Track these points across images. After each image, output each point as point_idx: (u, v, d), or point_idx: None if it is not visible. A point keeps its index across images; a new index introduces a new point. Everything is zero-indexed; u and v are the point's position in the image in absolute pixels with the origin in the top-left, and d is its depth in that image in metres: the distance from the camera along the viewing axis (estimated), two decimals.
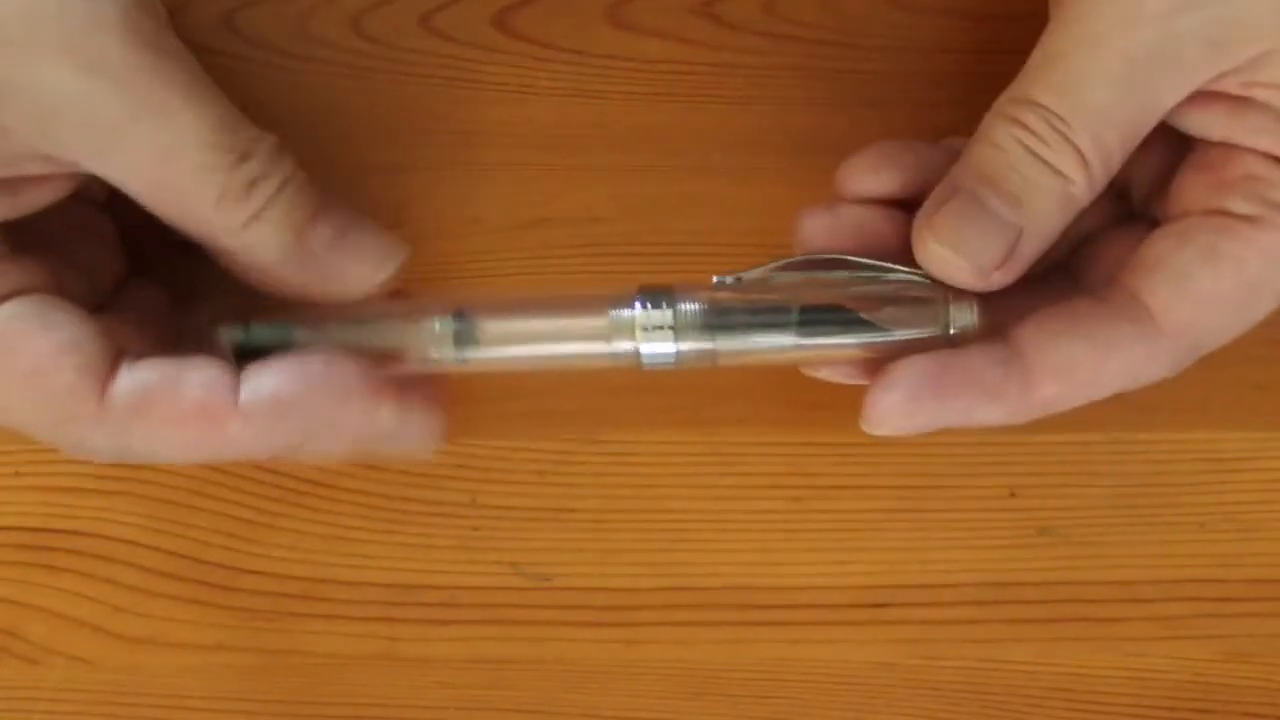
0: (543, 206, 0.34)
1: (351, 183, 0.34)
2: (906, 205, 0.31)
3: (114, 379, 0.28)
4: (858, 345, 0.29)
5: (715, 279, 0.30)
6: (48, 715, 0.33)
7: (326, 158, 0.34)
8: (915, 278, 0.29)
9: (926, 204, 0.29)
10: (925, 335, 0.29)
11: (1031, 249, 0.29)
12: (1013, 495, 0.34)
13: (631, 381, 0.34)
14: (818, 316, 0.29)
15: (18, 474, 0.33)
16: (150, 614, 0.33)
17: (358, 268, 0.29)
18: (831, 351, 0.30)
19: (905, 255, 0.30)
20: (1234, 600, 0.34)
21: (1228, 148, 0.29)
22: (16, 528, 0.33)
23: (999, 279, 0.29)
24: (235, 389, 0.28)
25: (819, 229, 0.31)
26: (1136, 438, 0.34)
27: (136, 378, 0.28)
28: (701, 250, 0.34)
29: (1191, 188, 0.30)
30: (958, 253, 0.28)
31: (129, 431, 0.28)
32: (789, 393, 0.34)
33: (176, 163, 0.28)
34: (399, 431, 0.29)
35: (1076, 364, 0.29)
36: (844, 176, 0.31)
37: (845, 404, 0.34)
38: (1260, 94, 0.28)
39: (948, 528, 0.34)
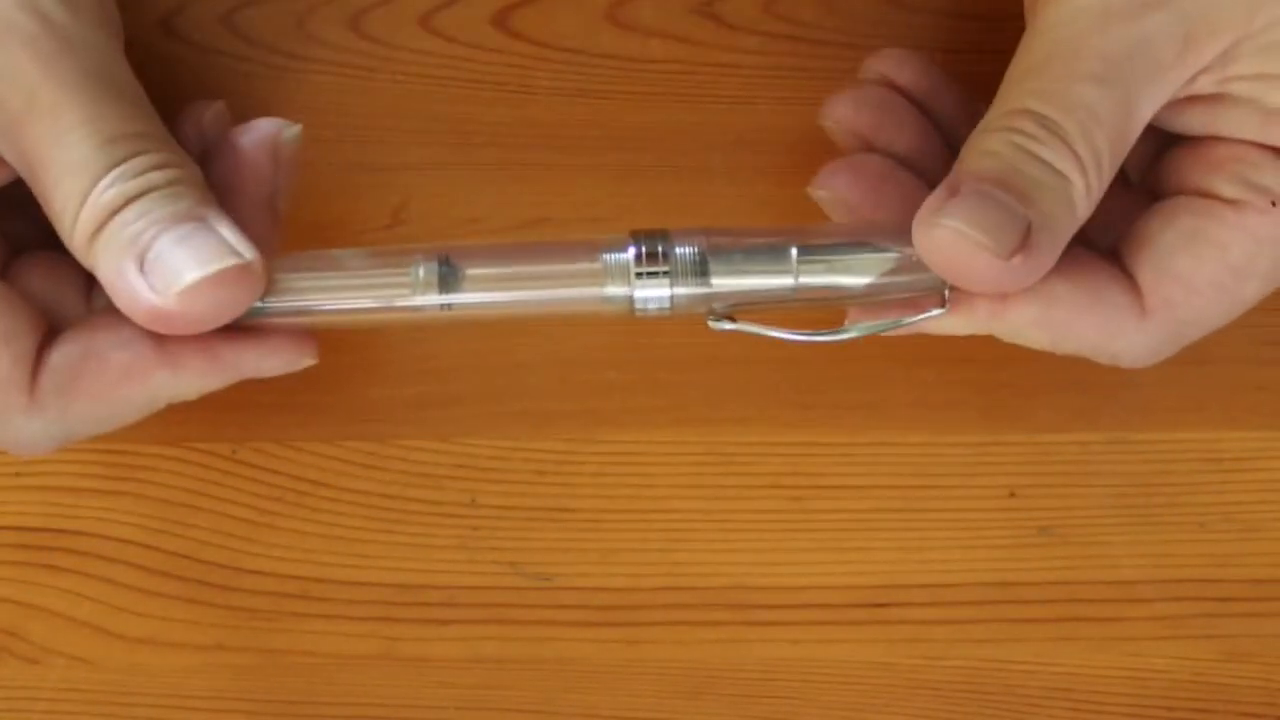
0: (543, 206, 0.34)
1: (351, 182, 0.34)
2: (921, 106, 0.32)
3: (42, 365, 0.28)
4: (855, 288, 0.29)
5: (709, 234, 0.29)
6: (48, 715, 0.33)
7: (326, 158, 0.34)
8: (922, 272, 0.28)
9: (926, 204, 0.28)
10: (923, 279, 0.29)
11: (1045, 246, 0.27)
12: (1013, 495, 0.34)
13: (631, 381, 0.34)
14: (817, 261, 0.28)
15: (18, 474, 0.33)
16: (150, 614, 0.33)
17: (184, 265, 0.26)
18: (829, 295, 0.29)
19: (916, 133, 0.31)
20: (1234, 600, 0.34)
21: (1214, 137, 0.29)
22: (16, 528, 0.33)
23: (1019, 266, 0.27)
24: (151, 339, 0.28)
25: (845, 100, 0.32)
26: (1136, 438, 0.34)
27: (61, 358, 0.28)
28: None
29: (1182, 164, 0.30)
30: (979, 230, 0.27)
31: (64, 414, 0.28)
32: (789, 393, 0.34)
33: (54, 166, 0.27)
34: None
35: (1056, 301, 0.29)
36: (869, 61, 0.32)
37: (845, 404, 0.34)
38: (1235, 88, 0.28)
39: (948, 528, 0.34)
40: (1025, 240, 0.27)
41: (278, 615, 0.33)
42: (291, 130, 0.30)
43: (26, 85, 0.27)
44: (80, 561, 0.33)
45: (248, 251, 0.27)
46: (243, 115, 0.32)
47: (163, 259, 0.26)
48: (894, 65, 0.32)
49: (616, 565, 0.34)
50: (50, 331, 0.28)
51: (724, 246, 0.28)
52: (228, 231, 0.27)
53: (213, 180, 0.29)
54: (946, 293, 0.29)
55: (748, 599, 0.34)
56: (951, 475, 0.34)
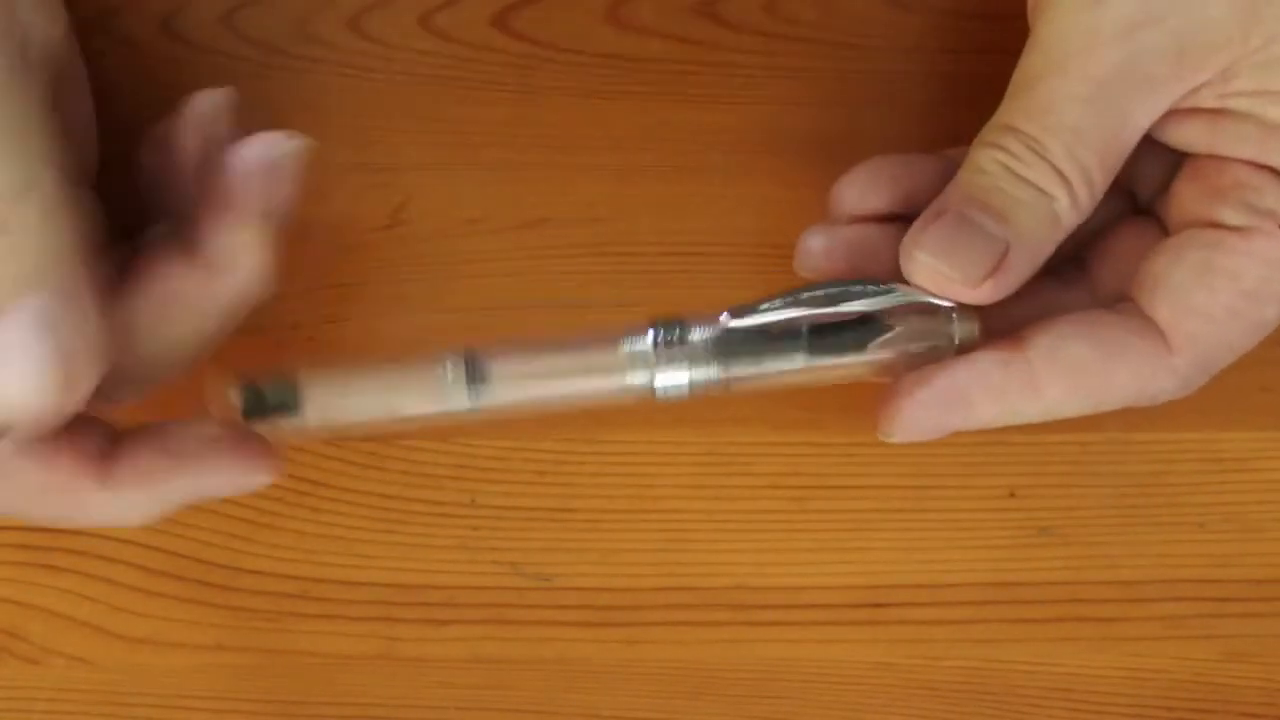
0: (543, 206, 0.34)
1: (351, 182, 0.34)
2: (902, 218, 0.31)
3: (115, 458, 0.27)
4: (869, 364, 0.30)
5: (725, 316, 0.30)
6: (48, 715, 0.33)
7: (325, 158, 0.34)
8: (920, 296, 0.30)
9: (914, 225, 0.29)
10: (931, 347, 0.30)
11: (1022, 262, 0.29)
12: (1013, 495, 0.34)
13: None
14: (827, 338, 0.30)
15: None
16: (150, 614, 0.33)
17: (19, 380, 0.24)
18: (841, 370, 0.30)
19: (900, 271, 0.30)
20: (1234, 600, 0.34)
21: (1216, 157, 0.29)
22: (17, 528, 0.33)
23: (990, 290, 0.29)
24: (104, 463, 0.27)
25: (816, 249, 0.31)
26: (1136, 438, 0.34)
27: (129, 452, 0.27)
28: (701, 250, 0.34)
29: (1186, 195, 0.30)
30: (946, 263, 0.29)
31: (137, 497, 0.28)
32: (789, 393, 0.34)
33: None
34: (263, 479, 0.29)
35: (1083, 368, 0.29)
36: (837, 197, 0.31)
37: (845, 404, 0.34)
38: (1235, 104, 0.28)
39: (948, 528, 0.34)
40: (1000, 262, 0.28)
41: (278, 615, 0.33)
42: (289, 145, 0.28)
43: None
44: (80, 561, 0.33)
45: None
46: (243, 115, 0.32)
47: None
48: (861, 193, 0.31)
49: (616, 565, 0.34)
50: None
51: (739, 331, 0.29)
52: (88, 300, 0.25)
53: (209, 188, 0.28)
54: (957, 341, 0.30)
55: (748, 599, 0.34)
56: (951, 475, 0.34)
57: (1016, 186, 0.29)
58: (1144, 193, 0.32)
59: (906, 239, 0.29)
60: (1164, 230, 0.31)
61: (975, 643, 0.34)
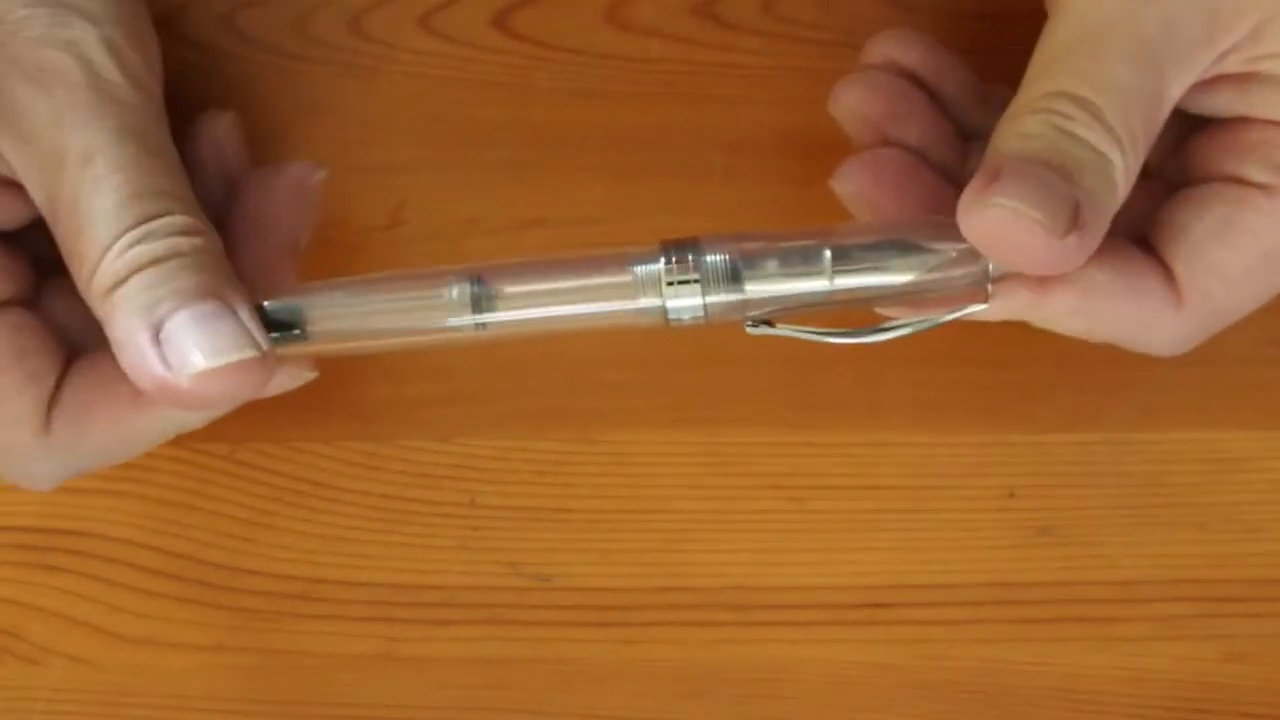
0: (542, 206, 0.34)
1: (350, 182, 0.34)
2: (926, 89, 0.31)
3: (57, 401, 0.28)
4: (890, 288, 0.28)
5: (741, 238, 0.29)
6: (47, 715, 0.33)
7: (325, 157, 0.34)
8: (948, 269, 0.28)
9: (968, 190, 0.27)
10: (961, 275, 0.28)
11: (1095, 222, 0.27)
12: (1012, 495, 0.34)
13: (631, 381, 0.34)
14: (851, 259, 0.28)
15: None
16: (150, 614, 0.33)
17: (199, 350, 0.26)
18: (864, 296, 0.28)
19: (928, 121, 0.30)
20: (1234, 600, 0.34)
21: (1243, 118, 0.29)
22: (16, 528, 0.33)
23: (1074, 245, 0.26)
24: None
25: (855, 87, 0.31)
26: (1136, 438, 0.34)
27: (71, 391, 0.28)
28: None
29: (1208, 149, 0.29)
30: (1032, 207, 0.26)
31: (76, 448, 0.28)
32: (789, 392, 0.34)
33: (79, 212, 0.27)
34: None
35: (1096, 286, 0.28)
36: (872, 46, 0.32)
37: (845, 404, 0.34)
38: (1265, 66, 0.28)
39: (948, 528, 0.34)
40: (1077, 218, 0.26)
41: (277, 616, 0.33)
42: (320, 174, 0.31)
43: (65, 129, 0.27)
44: (80, 561, 0.33)
45: (264, 341, 0.27)
46: (243, 116, 0.32)
47: (178, 336, 0.26)
48: (899, 46, 0.31)
49: (616, 565, 0.34)
50: (69, 362, 0.28)
51: (755, 252, 0.28)
52: (245, 315, 0.27)
53: (240, 214, 0.29)
54: (990, 287, 0.28)
55: (748, 599, 0.34)
56: (951, 475, 0.34)
57: (1076, 147, 0.27)
58: (1153, 158, 0.31)
59: (967, 198, 0.27)
60: (1174, 187, 0.30)
61: (975, 643, 0.34)
